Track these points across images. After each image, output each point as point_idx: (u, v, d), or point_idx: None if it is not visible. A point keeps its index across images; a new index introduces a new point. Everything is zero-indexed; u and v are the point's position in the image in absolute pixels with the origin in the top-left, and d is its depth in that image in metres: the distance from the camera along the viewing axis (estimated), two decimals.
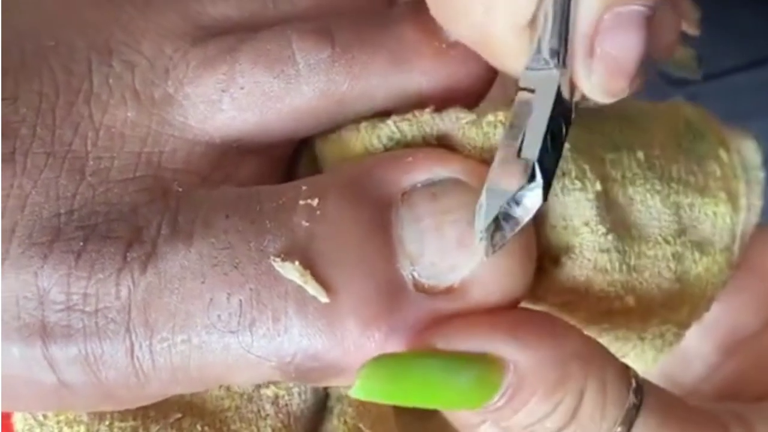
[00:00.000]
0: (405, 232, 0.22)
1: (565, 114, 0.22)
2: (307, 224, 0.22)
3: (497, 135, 0.23)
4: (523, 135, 0.22)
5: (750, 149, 0.29)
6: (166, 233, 0.22)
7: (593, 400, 0.22)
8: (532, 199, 0.21)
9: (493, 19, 0.22)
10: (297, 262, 0.21)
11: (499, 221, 0.22)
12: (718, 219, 0.27)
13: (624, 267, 0.25)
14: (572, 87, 0.22)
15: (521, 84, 0.22)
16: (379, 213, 0.22)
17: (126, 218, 0.22)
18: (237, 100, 0.24)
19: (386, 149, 0.24)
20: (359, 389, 0.21)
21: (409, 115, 0.24)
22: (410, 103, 0.24)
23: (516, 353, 0.21)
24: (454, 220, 0.22)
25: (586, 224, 0.24)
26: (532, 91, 0.22)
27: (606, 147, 0.26)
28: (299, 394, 0.25)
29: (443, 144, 0.24)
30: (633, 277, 0.25)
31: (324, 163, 0.25)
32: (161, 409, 0.24)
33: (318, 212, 0.22)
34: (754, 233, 0.28)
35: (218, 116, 0.24)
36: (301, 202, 0.22)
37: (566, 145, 0.24)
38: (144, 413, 0.24)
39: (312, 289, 0.21)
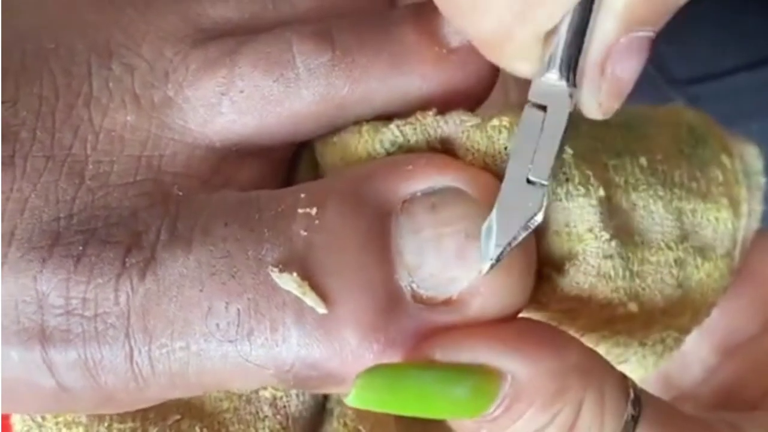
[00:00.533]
0: (404, 243, 0.22)
1: (568, 130, 0.22)
2: (305, 234, 0.22)
3: (501, 139, 0.23)
4: (534, 154, 0.22)
5: (752, 155, 0.28)
6: (165, 239, 0.22)
7: (591, 411, 0.22)
8: (535, 220, 0.22)
9: (521, 23, 0.21)
10: (295, 273, 0.21)
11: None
12: (720, 224, 0.27)
13: (627, 273, 0.25)
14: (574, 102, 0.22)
15: (532, 97, 0.22)
16: (378, 222, 0.22)
17: (125, 223, 0.22)
18: (237, 103, 0.24)
19: (389, 153, 0.24)
20: (355, 398, 0.21)
21: (411, 119, 0.24)
22: (410, 106, 0.24)
23: (513, 364, 0.21)
24: (453, 232, 0.22)
25: (590, 230, 0.24)
26: (542, 107, 0.22)
27: (609, 153, 0.26)
28: (297, 396, 0.25)
29: (447, 148, 0.24)
30: (636, 283, 0.25)
31: (325, 166, 0.25)
32: (160, 410, 0.24)
33: (317, 221, 0.22)
34: (754, 238, 0.28)
35: (218, 119, 0.24)
36: (300, 211, 0.22)
37: (569, 151, 0.24)
38: (143, 415, 0.24)
39: (310, 300, 0.21)
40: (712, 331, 0.30)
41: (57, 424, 0.24)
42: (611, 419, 0.22)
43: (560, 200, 0.24)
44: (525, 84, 0.23)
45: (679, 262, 0.26)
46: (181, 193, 0.23)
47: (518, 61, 0.22)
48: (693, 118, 0.28)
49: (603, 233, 0.24)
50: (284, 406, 0.25)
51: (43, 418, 0.24)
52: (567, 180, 0.24)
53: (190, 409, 0.24)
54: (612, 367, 0.23)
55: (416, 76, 0.24)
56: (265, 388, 0.24)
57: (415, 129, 0.24)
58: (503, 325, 0.22)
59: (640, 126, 0.27)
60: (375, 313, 0.21)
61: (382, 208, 0.22)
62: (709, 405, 0.30)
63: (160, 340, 0.22)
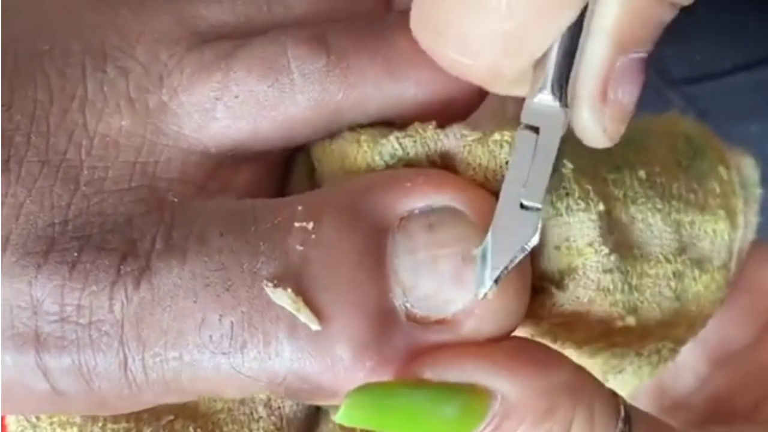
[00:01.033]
0: (399, 262, 0.22)
1: (560, 151, 0.22)
2: (301, 248, 0.22)
3: (503, 154, 0.23)
4: (527, 177, 0.22)
5: (748, 166, 0.28)
6: (161, 248, 0.22)
7: (581, 429, 0.22)
8: (531, 242, 0.22)
9: (513, 57, 0.21)
10: (289, 289, 0.21)
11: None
12: (717, 236, 0.27)
13: (626, 287, 0.25)
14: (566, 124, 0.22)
15: (524, 119, 0.22)
16: (374, 238, 0.22)
17: (121, 229, 0.22)
18: (231, 108, 0.23)
19: (388, 165, 0.24)
20: (343, 416, 0.21)
21: (411, 131, 0.24)
22: (405, 112, 0.24)
23: (503, 383, 0.21)
24: (449, 254, 0.22)
25: (590, 245, 0.24)
26: (535, 129, 0.22)
27: (608, 166, 0.25)
28: None
29: (446, 162, 0.24)
30: (635, 296, 0.25)
31: (322, 173, 0.25)
32: (154, 411, 0.24)
33: (313, 236, 0.22)
34: (749, 249, 0.28)
35: (212, 125, 0.24)
36: (296, 224, 0.22)
37: (569, 166, 0.24)
38: (137, 416, 0.24)
39: (304, 317, 0.21)
40: (705, 341, 0.30)
41: (51, 424, 0.24)
42: None
43: (561, 215, 0.24)
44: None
45: (678, 275, 0.26)
46: (176, 200, 0.23)
47: (512, 88, 0.22)
48: (690, 128, 0.28)
49: (603, 248, 0.24)
50: (279, 407, 0.25)
51: (38, 418, 0.24)
52: (567, 194, 0.24)
53: (184, 409, 0.24)
54: (602, 385, 0.23)
55: (411, 83, 0.24)
56: None
57: (414, 142, 0.24)
58: (494, 344, 0.22)
59: (637, 138, 0.27)
60: (368, 330, 0.21)
61: (378, 224, 0.22)
62: (701, 414, 0.30)
63: (154, 349, 0.22)
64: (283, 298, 0.21)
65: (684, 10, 0.21)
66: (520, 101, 0.23)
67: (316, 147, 0.25)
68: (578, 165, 0.24)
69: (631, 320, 0.25)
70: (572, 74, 0.21)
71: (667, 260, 0.26)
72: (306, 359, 0.21)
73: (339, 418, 0.21)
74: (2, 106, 0.23)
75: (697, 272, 0.26)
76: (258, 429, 0.24)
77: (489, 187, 0.23)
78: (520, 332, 0.25)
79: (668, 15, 0.21)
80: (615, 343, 0.26)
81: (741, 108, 0.46)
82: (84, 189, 0.22)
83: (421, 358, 0.22)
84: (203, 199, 0.23)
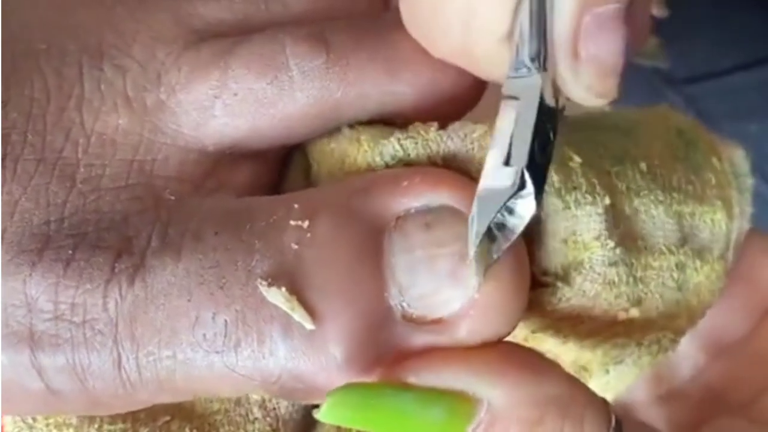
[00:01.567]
0: (396, 261, 0.22)
1: (551, 120, 0.21)
2: (296, 247, 0.22)
3: None
4: (510, 143, 0.21)
5: (739, 156, 0.29)
6: (156, 245, 0.22)
7: None
8: (524, 206, 0.21)
9: (473, 37, 0.21)
10: (284, 288, 0.21)
11: (493, 231, 0.21)
12: (716, 226, 0.27)
13: (631, 279, 0.25)
14: (556, 92, 0.22)
15: (505, 92, 0.22)
16: (371, 238, 0.22)
17: (116, 227, 0.22)
18: (229, 106, 0.23)
19: (388, 167, 0.24)
20: (325, 413, 0.21)
21: (413, 132, 0.24)
22: (403, 110, 0.24)
23: (489, 391, 0.21)
24: (446, 254, 0.21)
25: (597, 238, 0.24)
26: (515, 98, 0.21)
27: (611, 159, 0.25)
28: None
29: (448, 164, 0.24)
30: (639, 288, 0.25)
31: (320, 172, 0.25)
32: (150, 411, 0.24)
33: (308, 235, 0.22)
34: (745, 240, 0.28)
35: (210, 123, 0.23)
36: (292, 223, 0.22)
37: (577, 160, 0.24)
38: (133, 416, 0.24)
39: (298, 316, 0.21)
40: (702, 331, 0.29)
41: (48, 425, 0.24)
42: None
43: (569, 208, 0.24)
44: None
45: (680, 266, 0.26)
46: (173, 198, 0.23)
47: (491, 67, 0.22)
48: (680, 120, 0.28)
49: (609, 241, 0.24)
50: (274, 408, 0.25)
51: (34, 419, 0.24)
52: (574, 188, 0.24)
53: (180, 410, 0.24)
54: (594, 395, 0.22)
55: (410, 80, 0.24)
56: None
57: (416, 143, 0.24)
58: (483, 349, 0.22)
59: (631, 131, 0.27)
60: (363, 330, 0.21)
61: (375, 224, 0.22)
62: (696, 403, 0.30)
63: (148, 348, 0.21)
64: (277, 296, 0.21)
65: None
66: None
67: (314, 146, 0.25)
68: (583, 158, 0.24)
69: (635, 312, 0.25)
70: (548, 39, 0.21)
71: (670, 251, 0.26)
72: (300, 358, 0.21)
73: (321, 415, 0.21)
74: None
75: (698, 263, 0.26)
76: (254, 430, 0.25)
77: None
78: (523, 328, 0.25)
79: None
80: (617, 334, 0.26)
81: (740, 108, 0.46)
82: (80, 187, 0.22)
83: (407, 361, 0.21)
84: (200, 197, 0.23)
